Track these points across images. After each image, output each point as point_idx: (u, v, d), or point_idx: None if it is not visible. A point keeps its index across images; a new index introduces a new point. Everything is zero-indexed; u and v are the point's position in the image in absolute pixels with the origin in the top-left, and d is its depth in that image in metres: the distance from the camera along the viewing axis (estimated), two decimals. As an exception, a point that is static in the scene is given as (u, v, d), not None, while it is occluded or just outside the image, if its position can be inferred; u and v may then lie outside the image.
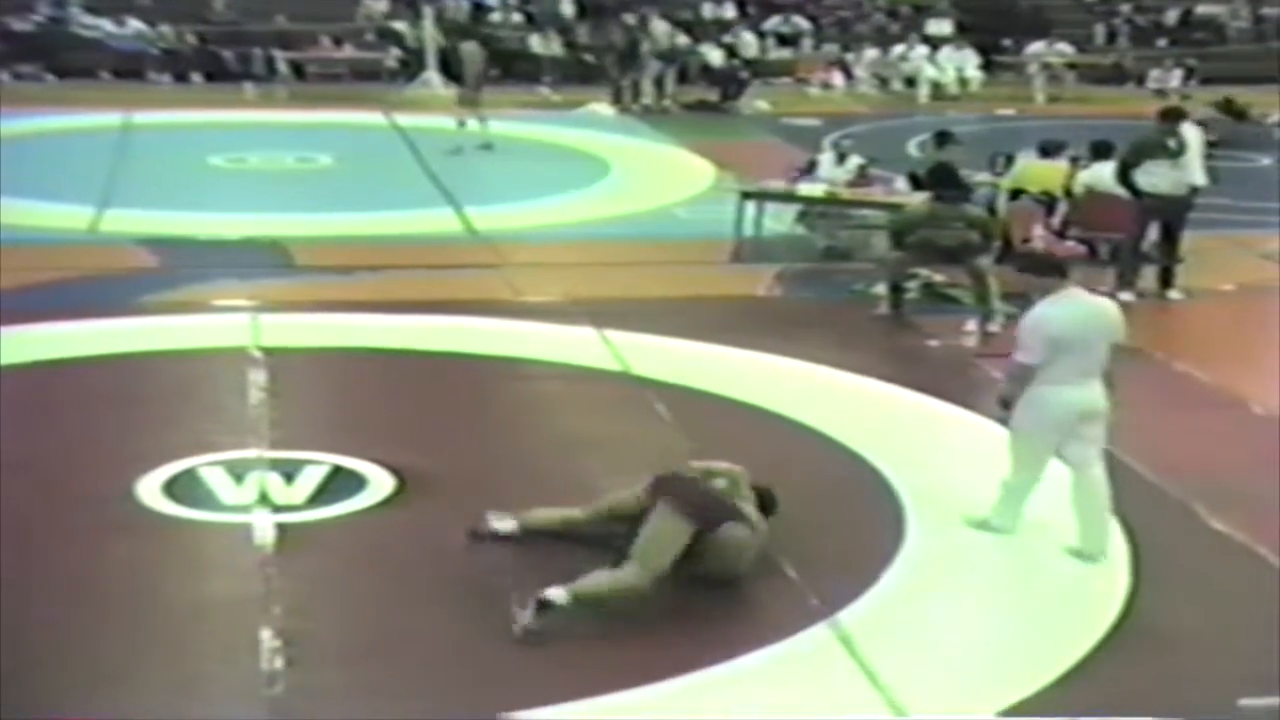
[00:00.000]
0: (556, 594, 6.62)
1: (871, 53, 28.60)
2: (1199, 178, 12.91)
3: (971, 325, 11.64)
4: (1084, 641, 6.72)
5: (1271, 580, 7.42)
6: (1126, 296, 12.64)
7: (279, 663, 6.38)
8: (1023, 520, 7.77)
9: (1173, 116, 13.20)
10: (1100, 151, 13.71)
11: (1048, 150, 14.58)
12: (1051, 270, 7.69)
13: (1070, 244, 13.73)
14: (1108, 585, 7.29)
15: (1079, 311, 7.52)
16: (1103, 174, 13.45)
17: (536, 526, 7.61)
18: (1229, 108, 21.59)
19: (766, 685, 6.37)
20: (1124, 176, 12.88)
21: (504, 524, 7.61)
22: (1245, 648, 6.73)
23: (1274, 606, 7.12)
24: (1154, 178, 12.70)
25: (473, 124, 19.51)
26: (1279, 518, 7.97)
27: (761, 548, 7.19)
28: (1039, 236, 13.67)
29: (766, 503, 7.47)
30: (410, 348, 10.97)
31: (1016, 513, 7.78)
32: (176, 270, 13.01)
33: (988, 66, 28.32)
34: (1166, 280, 12.88)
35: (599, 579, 6.80)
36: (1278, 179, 18.65)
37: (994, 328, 11.55)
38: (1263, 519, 7.95)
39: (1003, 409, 7.73)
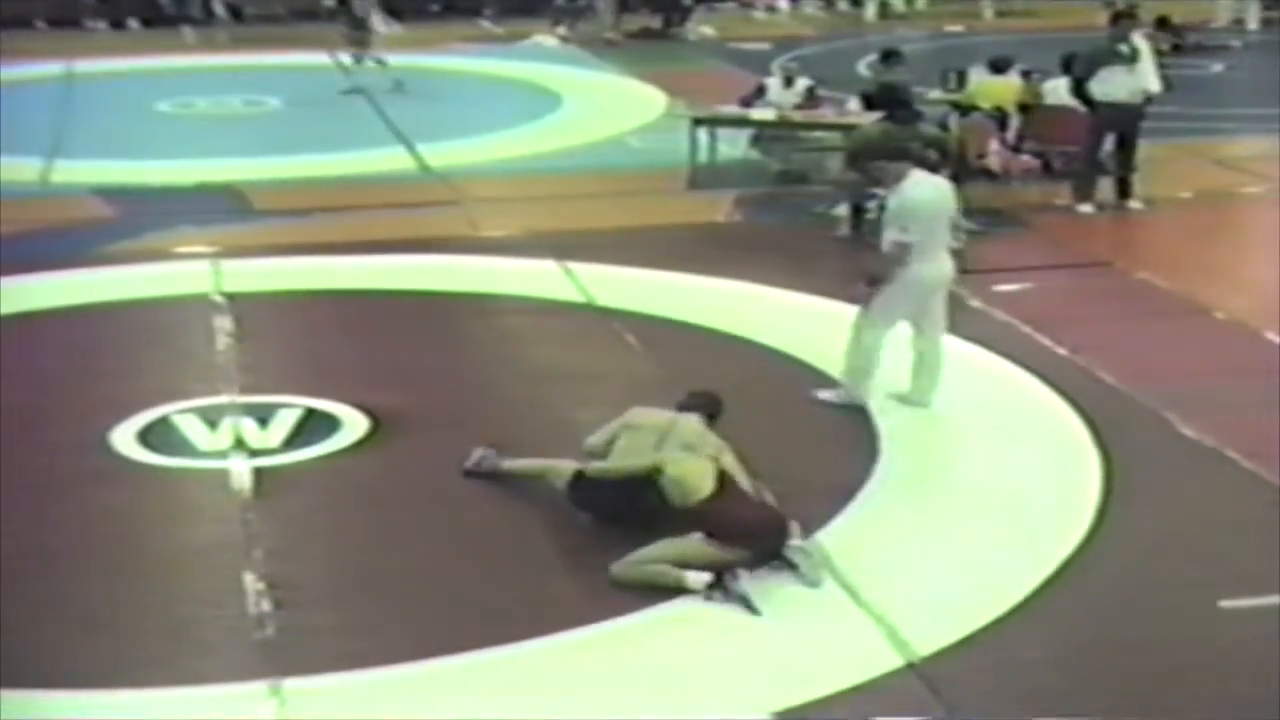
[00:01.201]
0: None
1: (816, -27, 28.46)
2: (1154, 84, 12.93)
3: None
4: (1060, 552, 6.81)
5: (1243, 483, 7.53)
6: (1085, 209, 12.77)
7: (266, 605, 6.39)
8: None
9: (1125, 21, 13.18)
10: (1068, 65, 13.65)
11: (998, 66, 14.56)
12: (900, 155, 8.48)
13: (1025, 158, 13.82)
14: (1081, 494, 7.38)
15: (934, 190, 8.35)
16: (1059, 87, 13.48)
17: (520, 474, 7.49)
18: (1165, 25, 21.62)
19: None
20: (1078, 89, 12.90)
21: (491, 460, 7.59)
22: (1222, 550, 6.84)
23: (1246, 509, 7.24)
24: (1109, 86, 12.70)
25: (370, 63, 19.23)
26: (1247, 422, 8.08)
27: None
28: (993, 152, 13.72)
29: (711, 409, 7.30)
30: (374, 288, 10.91)
31: (867, 378, 8.48)
32: (133, 219, 12.86)
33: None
34: (1124, 191, 12.94)
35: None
36: (1228, 85, 18.76)
37: (955, 245, 11.56)
38: (1231, 423, 8.06)
39: (869, 286, 8.38)
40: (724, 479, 6.84)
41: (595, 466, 7.09)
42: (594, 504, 7.03)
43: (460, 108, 18.25)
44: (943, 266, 8.38)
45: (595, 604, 6.36)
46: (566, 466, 7.23)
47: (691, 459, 6.88)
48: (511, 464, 7.55)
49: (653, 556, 6.51)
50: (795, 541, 6.64)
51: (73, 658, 6.03)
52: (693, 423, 7.15)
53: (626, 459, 7.03)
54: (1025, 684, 5.86)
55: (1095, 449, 7.88)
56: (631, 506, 6.88)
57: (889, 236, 8.24)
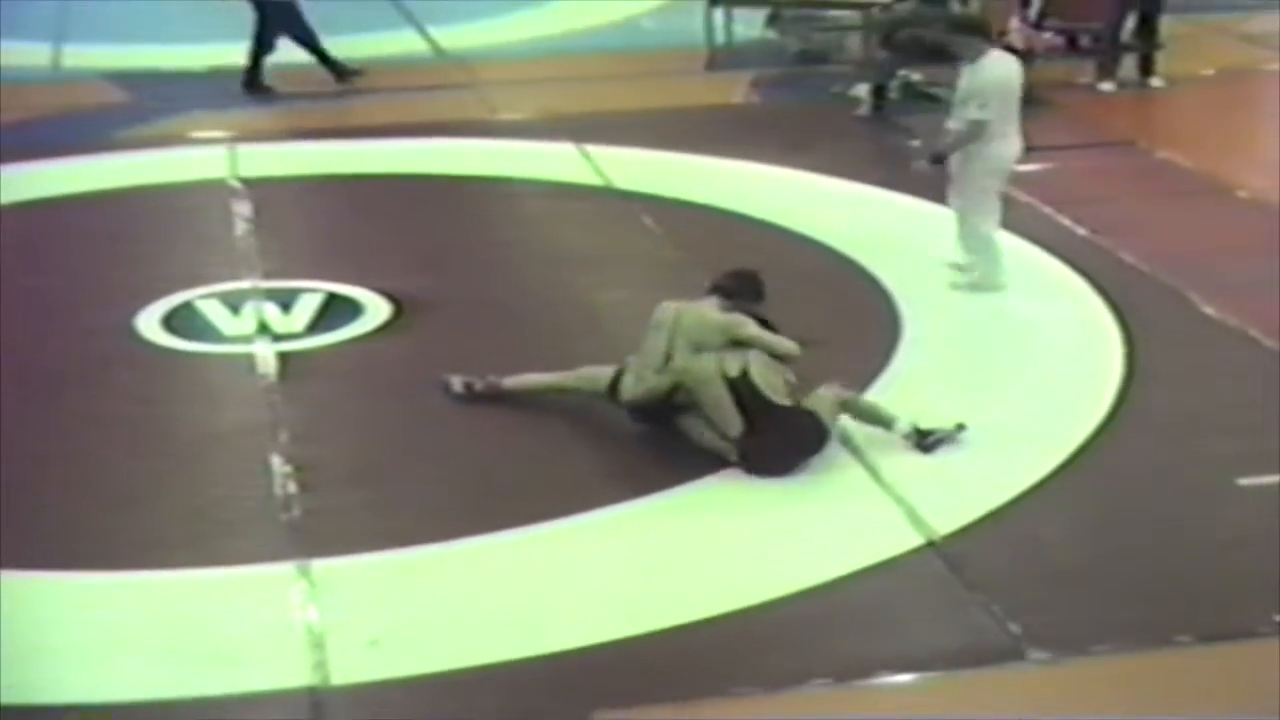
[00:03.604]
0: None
1: None
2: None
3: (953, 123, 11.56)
4: (1084, 428, 6.84)
5: (1265, 361, 7.53)
6: (1107, 86, 12.65)
7: (293, 487, 6.45)
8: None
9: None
10: None
11: (1020, -58, 14.33)
12: (978, 30, 8.49)
13: (1048, 36, 13.64)
14: (1103, 374, 7.39)
15: (1008, 68, 8.28)
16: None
17: (517, 390, 7.19)
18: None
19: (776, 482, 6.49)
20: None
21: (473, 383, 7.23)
22: (1242, 429, 6.85)
23: (1268, 388, 7.24)
24: None
25: None
26: (1269, 301, 8.06)
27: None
28: (1015, 30, 13.54)
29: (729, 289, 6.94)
30: (391, 171, 10.87)
31: (1002, 266, 8.42)
32: (146, 104, 12.80)
33: None
34: (1146, 68, 12.80)
35: None
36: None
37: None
38: (1254, 302, 8.04)
39: (933, 163, 8.42)
40: (744, 393, 6.53)
41: (625, 398, 6.88)
42: (638, 418, 6.92)
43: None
44: (1017, 145, 8.36)
45: (620, 484, 6.42)
46: (591, 375, 7.00)
47: (698, 361, 6.63)
48: (515, 381, 7.19)
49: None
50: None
51: (103, 539, 6.11)
52: (697, 312, 6.78)
53: (645, 363, 6.81)
54: (1044, 562, 5.92)
55: (1117, 329, 7.88)
56: (670, 412, 6.78)
57: (965, 114, 8.20)
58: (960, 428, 6.69)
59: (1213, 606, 5.55)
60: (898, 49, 11.97)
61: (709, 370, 6.60)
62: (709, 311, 6.79)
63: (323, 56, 13.12)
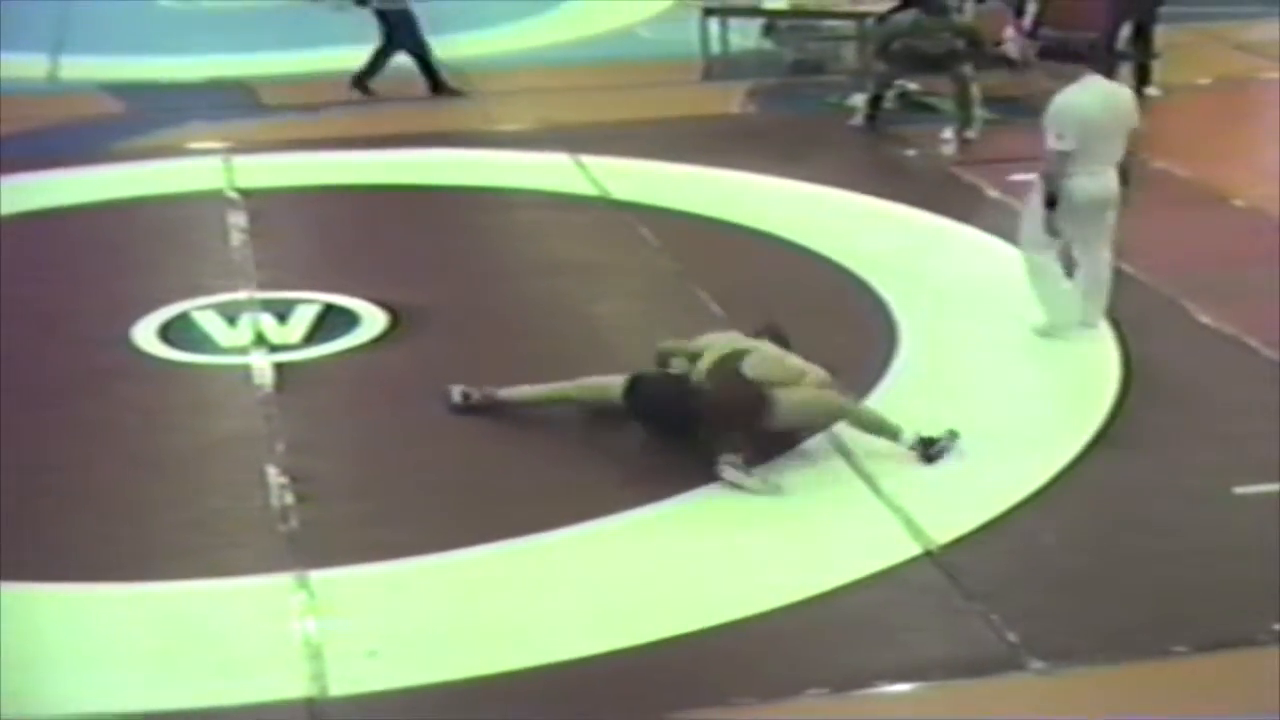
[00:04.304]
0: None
1: None
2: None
3: (949, 133, 11.61)
4: (1081, 437, 6.84)
5: (1262, 370, 7.54)
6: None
7: (289, 498, 6.45)
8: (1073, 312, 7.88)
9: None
10: None
11: (1016, -48, 14.36)
12: (1073, 57, 7.87)
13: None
14: (1099, 382, 7.40)
15: (1101, 97, 7.65)
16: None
17: (515, 400, 7.15)
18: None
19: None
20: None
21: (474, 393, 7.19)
22: (1239, 437, 6.86)
23: (1263, 396, 7.24)
24: None
25: None
26: (1266, 310, 8.07)
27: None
28: (1010, 38, 13.59)
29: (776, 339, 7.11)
30: (387, 182, 10.89)
31: (1068, 306, 7.88)
32: (143, 115, 12.82)
33: None
34: (1143, 77, 12.80)
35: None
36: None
37: (972, 134, 11.55)
38: (1250, 311, 8.05)
39: (1050, 208, 7.62)
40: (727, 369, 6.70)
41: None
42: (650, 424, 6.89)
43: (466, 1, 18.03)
44: (1106, 182, 7.67)
45: (617, 495, 6.41)
46: (595, 385, 6.98)
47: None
48: (512, 392, 7.16)
49: None
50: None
51: (100, 550, 6.10)
52: (775, 351, 6.91)
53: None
54: (1042, 571, 5.92)
55: (1113, 337, 7.88)
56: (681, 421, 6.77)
57: (1048, 144, 7.59)
58: (954, 435, 6.68)
59: (1211, 615, 5.54)
60: (893, 60, 11.98)
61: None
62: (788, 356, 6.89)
63: (429, 69, 13.35)
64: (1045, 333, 7.86)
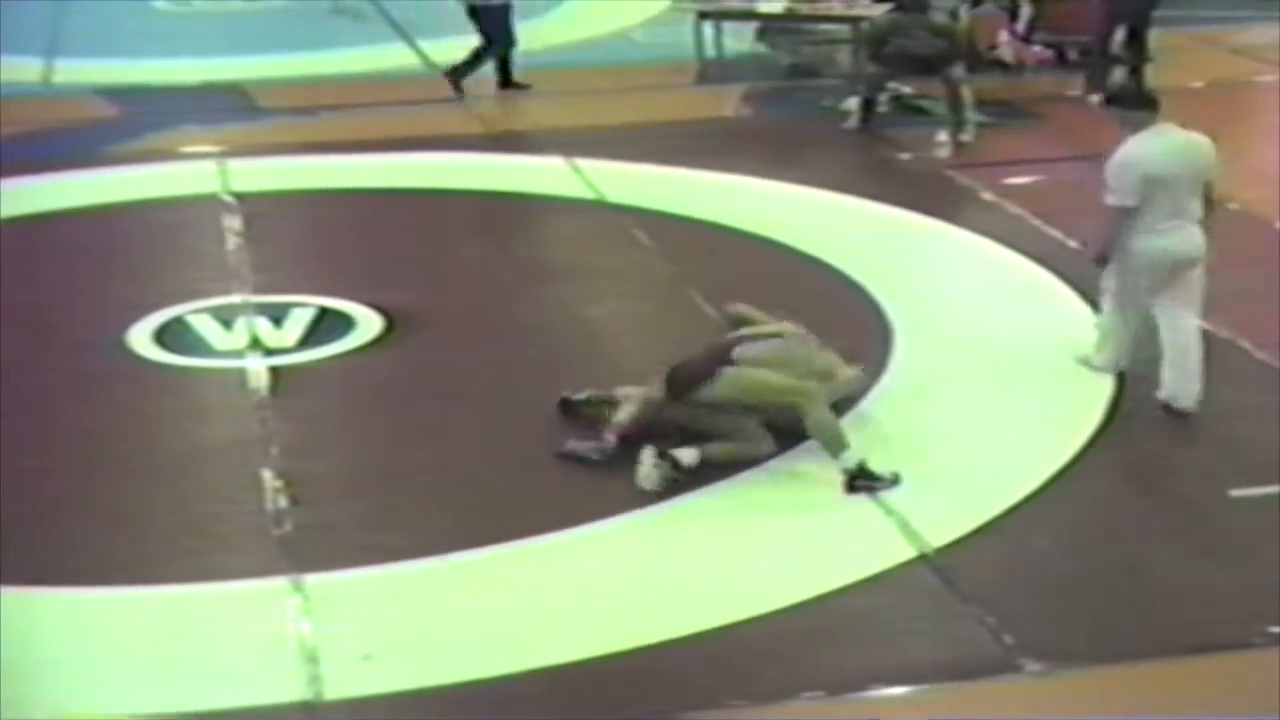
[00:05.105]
0: (688, 455, 6.49)
1: None
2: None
3: (943, 136, 11.62)
4: (1076, 440, 6.84)
5: (1257, 373, 7.54)
6: (1097, 99, 12.64)
7: (283, 502, 6.45)
8: (1122, 362, 7.33)
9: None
10: None
11: (1010, -45, 14.38)
12: (1143, 103, 7.13)
13: (1037, 49, 13.71)
14: (1093, 386, 7.39)
15: (1167, 148, 6.97)
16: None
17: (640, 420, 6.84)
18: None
19: (766, 489, 6.52)
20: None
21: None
22: (1232, 441, 6.87)
23: (1257, 399, 7.25)
24: None
25: None
26: (1260, 313, 8.08)
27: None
28: (1004, 43, 13.63)
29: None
30: (382, 186, 10.88)
31: (1116, 354, 7.32)
32: (137, 119, 12.79)
33: None
34: (1136, 81, 12.80)
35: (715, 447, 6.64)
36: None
37: (966, 137, 11.56)
38: (1245, 314, 8.04)
39: (1100, 265, 7.20)
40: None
41: None
42: None
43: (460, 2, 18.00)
44: (1182, 241, 6.98)
45: (612, 498, 6.41)
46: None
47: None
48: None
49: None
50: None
51: (94, 554, 6.10)
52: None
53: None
54: (1038, 573, 5.92)
55: (1107, 341, 7.88)
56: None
57: (1106, 199, 7.01)
58: (896, 479, 6.39)
59: (1206, 617, 5.55)
60: (883, 62, 11.99)
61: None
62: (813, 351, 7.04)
63: (505, 65, 13.39)
64: (1085, 362, 7.39)
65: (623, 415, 6.80)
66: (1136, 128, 7.00)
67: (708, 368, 6.73)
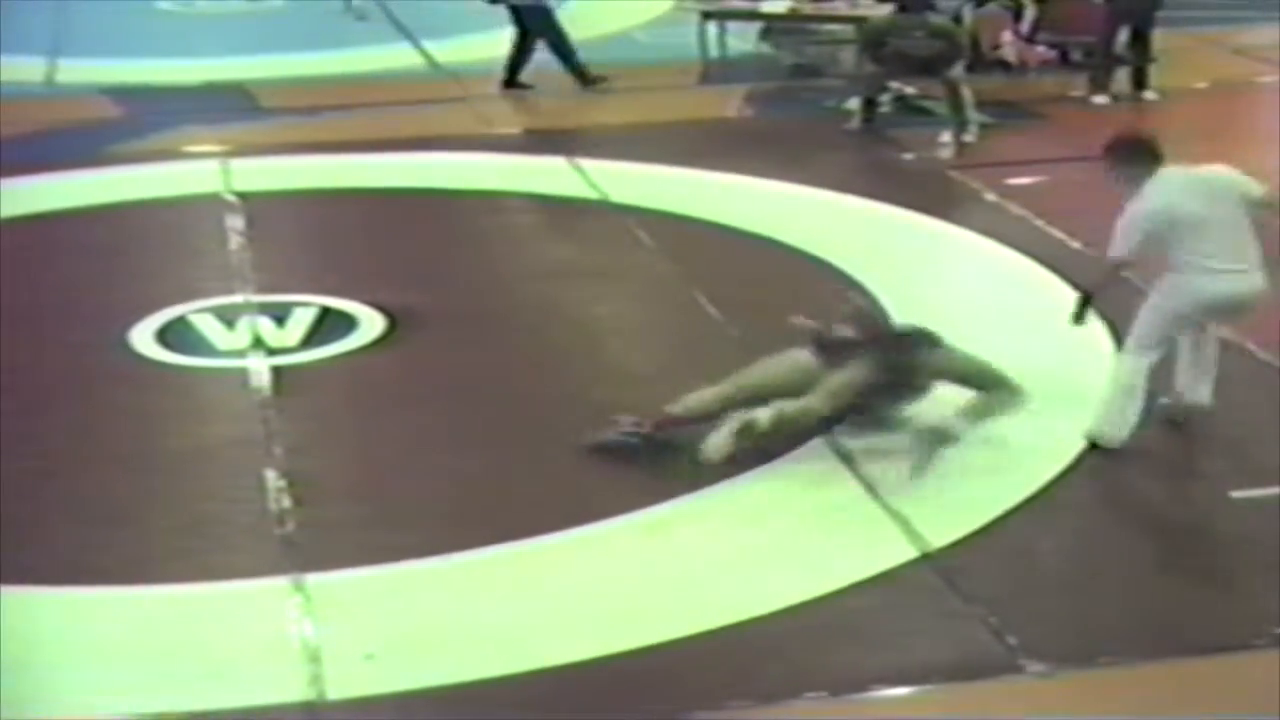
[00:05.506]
0: (762, 413, 6.50)
1: None
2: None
3: (946, 137, 11.61)
4: (1078, 440, 6.81)
5: (1259, 374, 7.53)
6: (1100, 99, 12.68)
7: (286, 501, 6.44)
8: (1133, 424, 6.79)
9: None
10: None
11: (1012, -43, 14.37)
12: (1138, 156, 6.67)
13: (1040, 49, 13.70)
14: (1095, 387, 7.33)
15: (1178, 191, 6.58)
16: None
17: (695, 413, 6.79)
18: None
19: (767, 489, 6.50)
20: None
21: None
22: (1236, 441, 6.87)
23: (1260, 401, 7.25)
24: None
25: None
26: (1264, 315, 8.03)
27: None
28: (1008, 43, 13.63)
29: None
30: (385, 186, 10.89)
31: (1124, 426, 6.73)
32: (140, 118, 12.80)
33: None
34: (1140, 81, 12.83)
35: (787, 405, 6.58)
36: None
37: (969, 138, 11.55)
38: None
39: (1079, 307, 6.84)
40: None
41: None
42: None
43: (464, 2, 18.02)
44: (1230, 285, 6.53)
45: (615, 499, 6.40)
46: (757, 377, 6.88)
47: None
48: (678, 409, 6.78)
49: None
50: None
51: (96, 553, 6.09)
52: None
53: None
54: (1040, 574, 5.92)
55: (1110, 342, 7.86)
56: None
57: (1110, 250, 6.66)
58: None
59: (1208, 618, 5.55)
60: (883, 62, 11.98)
61: None
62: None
63: (571, 62, 13.41)
64: (1092, 436, 6.75)
65: (681, 407, 6.74)
66: (1132, 183, 6.60)
67: (901, 340, 6.85)
